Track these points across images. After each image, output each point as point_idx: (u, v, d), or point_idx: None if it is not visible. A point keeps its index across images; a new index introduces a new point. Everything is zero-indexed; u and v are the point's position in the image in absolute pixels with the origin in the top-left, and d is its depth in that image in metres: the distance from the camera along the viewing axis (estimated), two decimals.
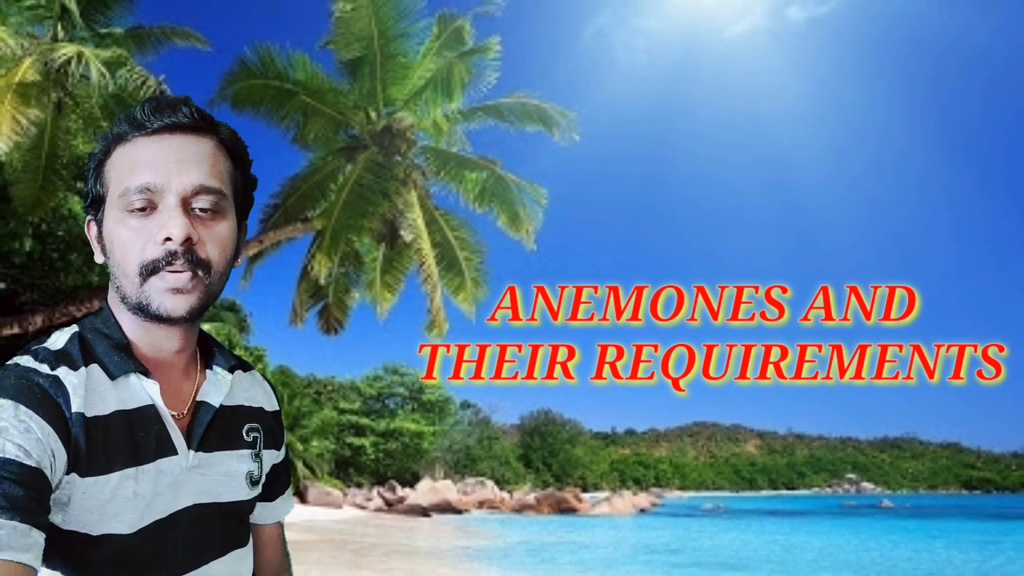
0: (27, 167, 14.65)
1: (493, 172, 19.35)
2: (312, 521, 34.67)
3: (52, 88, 14.16)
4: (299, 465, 45.93)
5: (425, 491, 52.65)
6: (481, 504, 58.17)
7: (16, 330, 15.63)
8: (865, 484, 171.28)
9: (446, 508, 51.30)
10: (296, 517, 34.28)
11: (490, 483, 62.54)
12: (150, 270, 1.18)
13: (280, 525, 1.59)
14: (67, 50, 13.61)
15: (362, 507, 49.52)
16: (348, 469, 59.49)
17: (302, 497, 44.94)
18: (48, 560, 1.10)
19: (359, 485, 57.72)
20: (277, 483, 1.51)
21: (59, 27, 15.39)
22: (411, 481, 59.05)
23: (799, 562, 24.57)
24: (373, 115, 19.38)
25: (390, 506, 50.39)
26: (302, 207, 19.50)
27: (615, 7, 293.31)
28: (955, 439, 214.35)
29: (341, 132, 19.86)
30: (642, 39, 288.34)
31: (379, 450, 60.77)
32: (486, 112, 19.80)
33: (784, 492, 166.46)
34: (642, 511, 63.71)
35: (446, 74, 18.40)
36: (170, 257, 1.17)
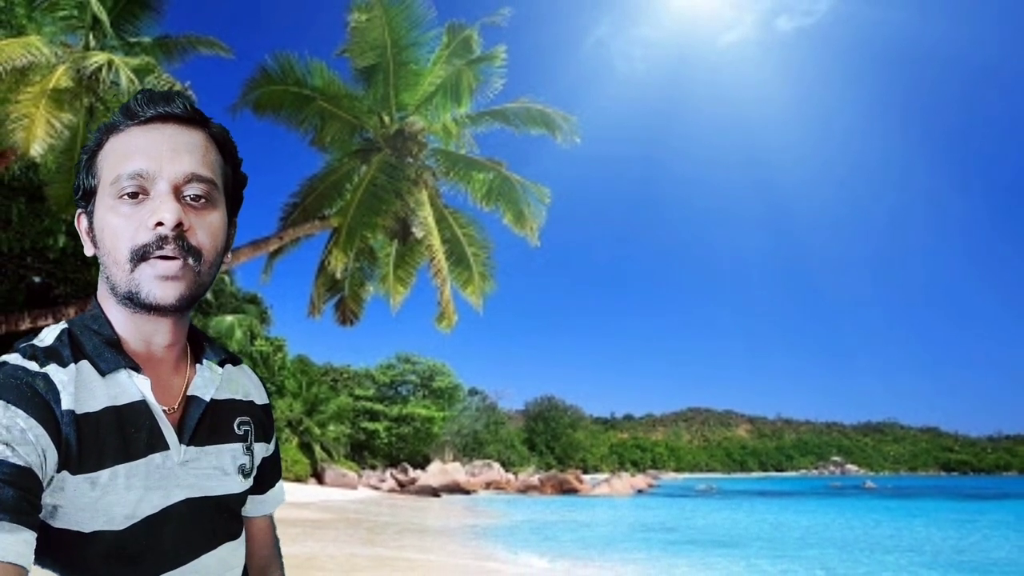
0: (61, 168, 14.65)
1: (499, 173, 19.34)
2: (329, 501, 34.75)
3: (84, 94, 14.14)
4: (317, 448, 46.06)
5: (435, 473, 52.66)
6: (488, 485, 58.14)
7: (51, 321, 15.63)
8: (849, 466, 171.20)
9: (455, 489, 51.31)
10: (313, 497, 34.42)
11: (496, 465, 62.47)
12: (140, 255, 1.12)
13: (271, 518, 1.52)
14: (98, 58, 13.60)
15: (376, 488, 49.58)
16: (363, 452, 59.56)
17: (319, 478, 45.07)
18: (41, 558, 1.05)
19: (373, 467, 57.82)
20: (267, 476, 1.44)
21: (91, 36, 15.37)
22: (422, 463, 59.08)
23: (787, 539, 24.53)
24: (386, 119, 19.36)
25: (402, 487, 50.42)
26: (319, 206, 19.51)
27: (614, 18, 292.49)
28: (934, 424, 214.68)
29: (356, 135, 19.86)
30: (639, 48, 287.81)
31: (392, 434, 60.81)
32: (493, 116, 19.78)
33: (773, 474, 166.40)
34: (639, 492, 63.66)
35: (455, 81, 18.38)
36: (161, 242, 1.12)
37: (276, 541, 1.54)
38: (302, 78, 18.74)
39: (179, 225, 1.12)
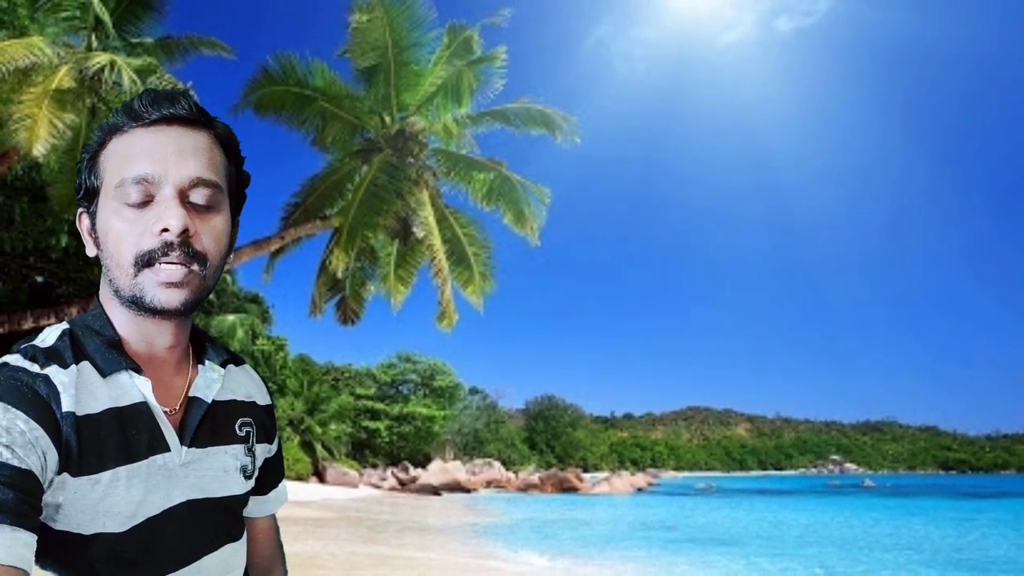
0: (63, 168, 14.65)
1: (500, 173, 19.34)
2: (330, 499, 34.75)
3: (87, 94, 14.14)
4: (318, 447, 46.07)
5: (436, 471, 52.66)
6: (488, 484, 58.14)
7: (53, 321, 15.63)
8: (848, 465, 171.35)
9: (456, 487, 51.31)
10: (315, 495, 34.42)
11: (497, 464, 62.46)
12: (145, 261, 1.10)
13: (273, 518, 1.51)
14: (101, 59, 13.60)
15: (377, 486, 49.57)
16: (364, 451, 59.58)
17: (320, 477, 45.09)
18: (41, 560, 1.05)
19: (374, 466, 57.81)
20: (270, 476, 1.42)
21: (93, 37, 15.37)
22: (423, 462, 59.09)
23: (786, 538, 24.52)
24: (387, 119, 19.36)
25: (403, 485, 50.42)
26: (321, 206, 19.51)
27: (614, 18, 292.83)
28: (933, 423, 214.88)
29: (357, 135, 19.86)
30: (639, 48, 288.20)
31: (393, 433, 60.83)
32: (493, 116, 19.78)
33: (772, 472, 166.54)
34: (639, 490, 63.64)
35: (456, 81, 18.38)
36: (166, 248, 1.10)
37: (279, 541, 1.53)
38: (303, 78, 18.73)
39: (184, 231, 1.11)
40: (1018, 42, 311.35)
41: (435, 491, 48.43)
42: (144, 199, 1.12)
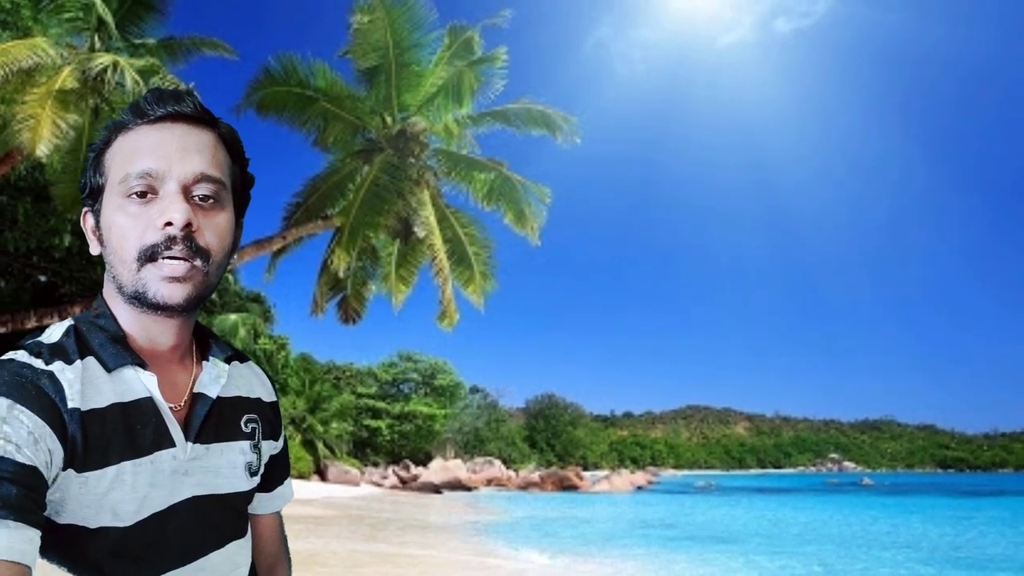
0: (66, 168, 14.67)
1: (500, 173, 19.34)
2: (332, 498, 34.75)
3: (90, 95, 14.15)
4: (320, 445, 46.09)
5: (437, 470, 52.71)
6: (489, 482, 58.14)
7: (56, 320, 15.62)
8: (847, 463, 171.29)
9: (456, 486, 51.35)
10: (316, 494, 34.41)
11: (497, 462, 62.47)
12: (148, 255, 1.10)
13: (278, 515, 1.50)
14: (103, 59, 13.61)
15: (378, 484, 49.60)
16: (365, 449, 59.62)
17: (322, 475, 45.10)
18: (47, 553, 1.05)
19: (375, 464, 57.86)
20: (275, 474, 1.41)
21: (96, 38, 15.38)
22: (424, 460, 59.12)
23: (785, 536, 24.51)
24: (388, 120, 19.36)
25: (404, 484, 50.47)
26: (322, 205, 19.51)
27: (614, 19, 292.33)
28: (931, 421, 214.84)
29: (359, 136, 19.86)
30: (639, 49, 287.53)
31: (394, 431, 60.89)
32: (494, 117, 19.77)
33: (771, 471, 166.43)
34: (639, 488, 63.66)
35: (457, 81, 18.38)
36: (169, 242, 1.09)
37: (284, 539, 1.53)
38: (305, 79, 18.73)
39: (188, 225, 1.10)
40: (1017, 43, 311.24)
41: (436, 489, 48.48)
42: (148, 195, 1.12)
